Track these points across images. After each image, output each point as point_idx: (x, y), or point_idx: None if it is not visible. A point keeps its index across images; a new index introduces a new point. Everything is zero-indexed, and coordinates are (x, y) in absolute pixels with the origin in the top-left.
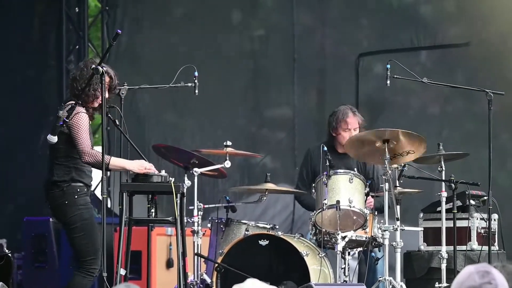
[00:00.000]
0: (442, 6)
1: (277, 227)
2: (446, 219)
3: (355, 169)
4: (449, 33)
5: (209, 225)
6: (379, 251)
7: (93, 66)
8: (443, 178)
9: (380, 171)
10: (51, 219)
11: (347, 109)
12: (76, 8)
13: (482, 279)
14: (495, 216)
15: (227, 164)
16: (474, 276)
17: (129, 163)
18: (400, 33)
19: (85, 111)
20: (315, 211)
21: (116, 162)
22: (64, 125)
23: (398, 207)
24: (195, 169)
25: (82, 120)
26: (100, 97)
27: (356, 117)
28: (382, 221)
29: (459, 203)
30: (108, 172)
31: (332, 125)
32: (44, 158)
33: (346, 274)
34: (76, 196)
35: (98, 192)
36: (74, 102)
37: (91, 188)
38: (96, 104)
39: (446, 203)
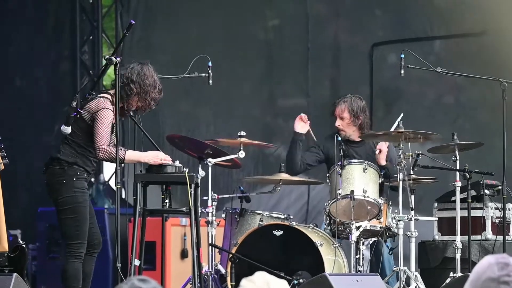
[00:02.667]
0: None
1: (291, 217)
2: (461, 208)
3: (370, 157)
4: (463, 22)
5: (223, 215)
6: (393, 241)
7: (107, 56)
8: (458, 168)
9: (394, 153)
10: None
11: (341, 99)
12: None
13: (501, 271)
14: (509, 205)
15: (241, 154)
16: (494, 267)
17: (144, 155)
18: (414, 22)
19: (112, 109)
20: (329, 201)
21: (131, 156)
22: (89, 115)
23: (413, 196)
24: (209, 159)
25: (107, 116)
26: (146, 106)
27: (344, 105)
28: (396, 211)
29: (473, 192)
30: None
31: None
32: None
33: (361, 264)
34: (74, 179)
35: (112, 183)
36: (109, 97)
37: (91, 175)
38: (134, 107)
39: (461, 192)
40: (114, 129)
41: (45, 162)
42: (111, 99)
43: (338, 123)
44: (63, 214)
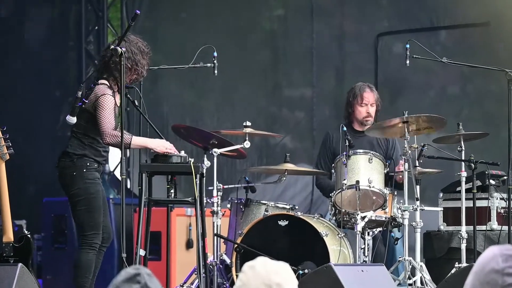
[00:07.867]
0: None
1: (296, 207)
2: (466, 199)
3: (374, 147)
4: (469, 13)
5: (228, 205)
6: (398, 231)
7: (112, 46)
8: (463, 158)
9: (399, 151)
10: None
11: (364, 85)
12: None
13: (506, 262)
14: None
15: (247, 144)
16: (498, 258)
17: (150, 141)
18: (420, 12)
19: (111, 94)
20: (334, 192)
21: (137, 141)
22: (90, 104)
23: (418, 187)
24: (215, 149)
25: (108, 102)
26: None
27: (373, 93)
28: (401, 201)
29: (478, 183)
30: (128, 153)
31: (349, 101)
32: (64, 139)
33: (366, 254)
34: (85, 170)
35: (117, 173)
36: (107, 83)
37: (103, 166)
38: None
39: (466, 183)
40: (119, 115)
41: (57, 156)
42: (108, 85)
43: (369, 110)
44: (76, 206)
